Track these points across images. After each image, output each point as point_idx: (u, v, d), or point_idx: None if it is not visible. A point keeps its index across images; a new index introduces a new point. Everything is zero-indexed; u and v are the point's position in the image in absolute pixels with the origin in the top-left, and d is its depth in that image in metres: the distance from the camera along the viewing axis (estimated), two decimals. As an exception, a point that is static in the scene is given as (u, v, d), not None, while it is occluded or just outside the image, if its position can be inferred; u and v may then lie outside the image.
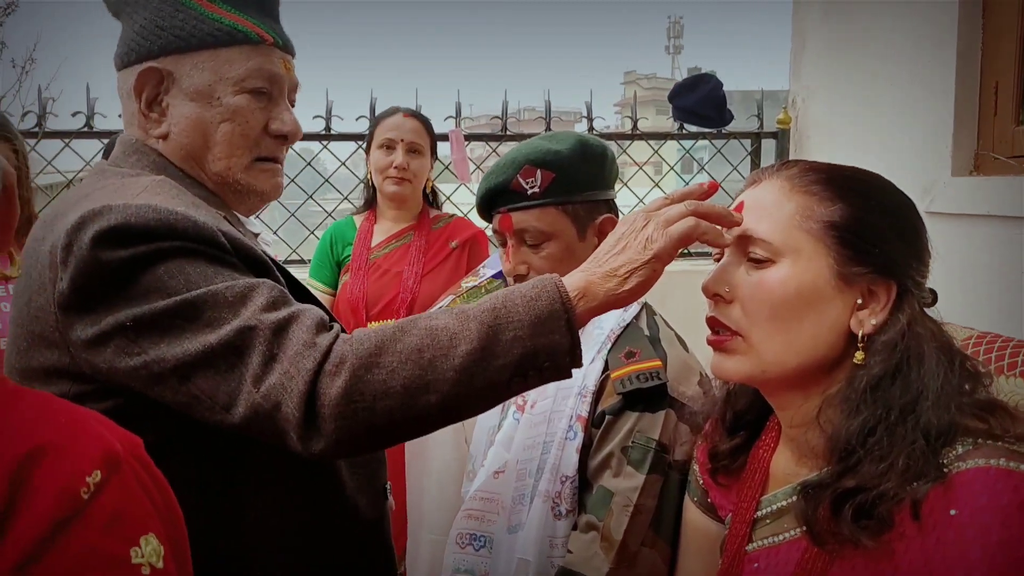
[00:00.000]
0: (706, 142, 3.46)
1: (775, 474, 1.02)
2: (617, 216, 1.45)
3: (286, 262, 3.34)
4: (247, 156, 1.14)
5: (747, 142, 3.44)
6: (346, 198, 3.31)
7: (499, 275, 1.79)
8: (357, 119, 3.10)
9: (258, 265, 1.03)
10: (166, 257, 0.94)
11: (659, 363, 1.30)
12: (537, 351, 0.90)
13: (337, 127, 3.25)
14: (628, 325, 1.39)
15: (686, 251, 3.32)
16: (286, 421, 0.88)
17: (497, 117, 3.35)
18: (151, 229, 0.94)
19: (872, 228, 0.92)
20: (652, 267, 0.93)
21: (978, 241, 2.00)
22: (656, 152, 3.50)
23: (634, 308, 1.41)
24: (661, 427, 1.27)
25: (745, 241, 0.95)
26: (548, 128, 3.20)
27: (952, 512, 0.80)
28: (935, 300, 0.98)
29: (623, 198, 3.43)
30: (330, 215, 3.23)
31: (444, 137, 3.02)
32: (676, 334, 1.42)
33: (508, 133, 3.29)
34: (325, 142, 3.26)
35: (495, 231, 1.44)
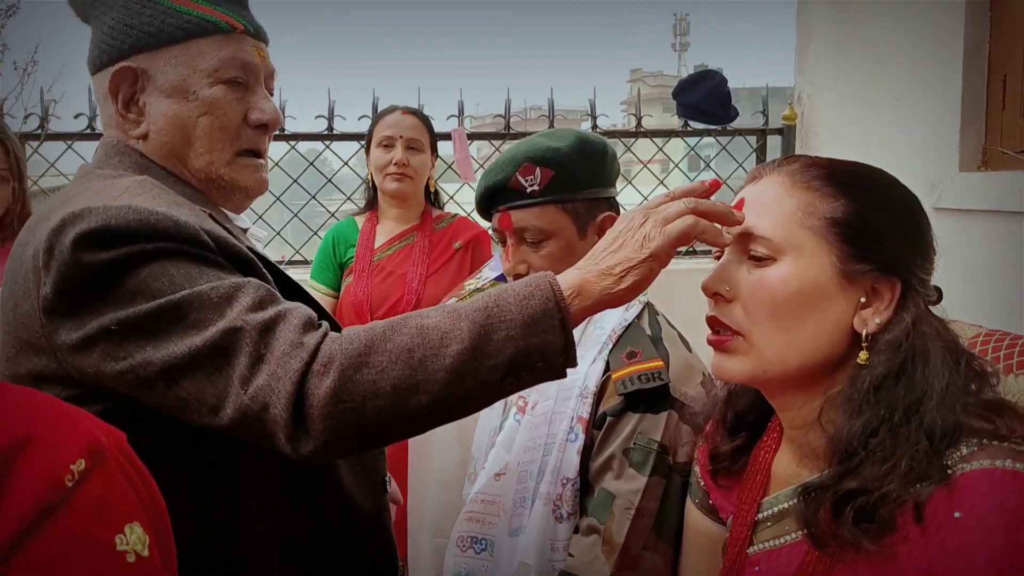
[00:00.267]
0: (711, 139, 3.44)
1: (776, 476, 1.00)
2: (618, 214, 1.43)
3: (289, 263, 3.33)
4: (229, 150, 1.12)
5: (752, 139, 3.41)
6: (349, 198, 3.30)
7: (501, 277, 1.77)
8: (359, 119, 3.10)
9: (243, 263, 1.01)
10: (149, 258, 0.93)
11: (661, 363, 1.29)
12: (530, 351, 0.88)
13: (340, 127, 3.25)
14: (630, 325, 1.37)
15: (691, 248, 3.30)
16: (274, 423, 0.87)
17: (500, 116, 3.34)
18: (132, 230, 0.93)
19: (875, 225, 0.90)
20: (649, 266, 0.92)
21: (986, 237, 1.98)
22: (660, 149, 3.49)
23: (636, 307, 1.40)
24: (663, 428, 1.25)
25: (746, 239, 0.93)
26: (552, 127, 3.19)
27: (956, 515, 0.78)
28: (940, 298, 0.96)
29: (629, 196, 3.43)
30: (333, 215, 3.22)
31: (447, 136, 3.01)
32: (679, 334, 1.40)
33: (511, 132, 3.28)
34: (327, 142, 3.26)
35: (494, 230, 1.42)
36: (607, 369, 1.32)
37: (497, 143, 3.36)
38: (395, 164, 2.48)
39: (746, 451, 1.05)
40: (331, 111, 3.22)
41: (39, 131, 3.08)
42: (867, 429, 0.85)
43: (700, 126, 3.33)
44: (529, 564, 1.30)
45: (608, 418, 1.28)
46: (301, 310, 0.94)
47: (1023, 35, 1.99)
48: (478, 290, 1.93)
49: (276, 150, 3.24)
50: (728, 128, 3.34)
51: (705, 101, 3.20)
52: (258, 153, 1.16)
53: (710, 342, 0.97)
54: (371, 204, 2.65)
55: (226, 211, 1.17)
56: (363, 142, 2.68)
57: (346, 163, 3.38)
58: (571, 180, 1.35)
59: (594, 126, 3.33)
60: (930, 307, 0.94)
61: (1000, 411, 0.86)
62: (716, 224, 0.94)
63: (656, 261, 0.92)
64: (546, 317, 0.89)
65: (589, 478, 1.30)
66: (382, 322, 0.92)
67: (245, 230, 1.21)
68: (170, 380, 0.90)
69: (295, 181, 3.32)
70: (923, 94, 2.26)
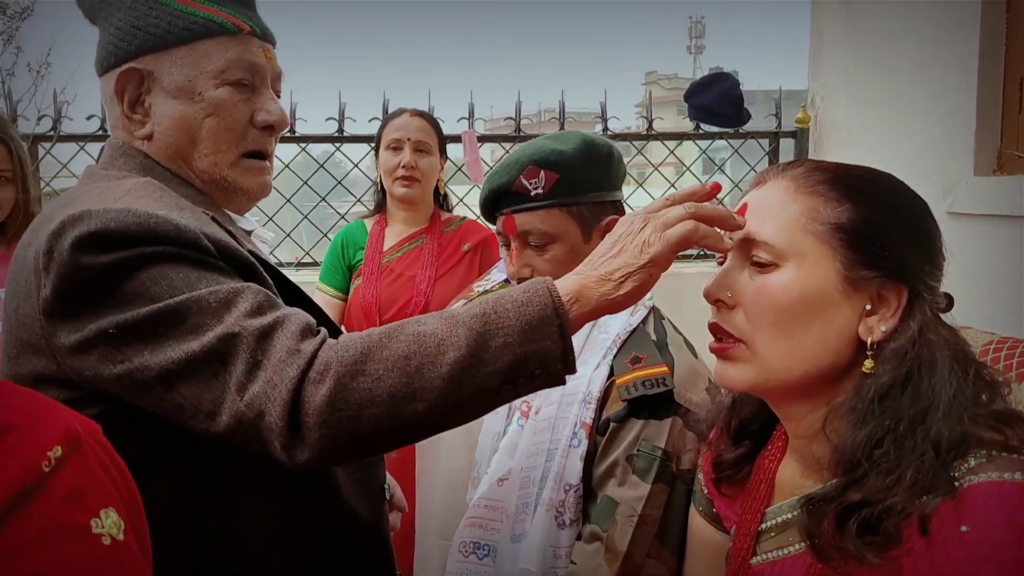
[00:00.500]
0: (724, 142, 3.41)
1: (781, 486, 0.98)
2: (624, 218, 1.41)
3: (300, 264, 3.33)
4: (234, 151, 1.12)
5: (765, 142, 3.39)
6: (359, 200, 3.30)
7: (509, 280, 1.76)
8: (370, 121, 3.09)
9: (244, 267, 1.01)
10: (148, 262, 0.93)
11: (666, 369, 1.27)
12: (528, 358, 0.87)
13: (350, 129, 3.25)
14: (635, 330, 1.35)
15: (702, 251, 3.28)
16: (269, 430, 0.86)
17: (511, 118, 3.33)
18: (132, 234, 0.93)
19: (881, 230, 0.88)
20: (648, 272, 0.90)
21: (1001, 243, 1.95)
22: (672, 152, 3.47)
23: (641, 312, 1.38)
24: (667, 435, 1.24)
25: (748, 244, 0.91)
26: (563, 129, 3.18)
27: (963, 528, 0.77)
28: (950, 305, 0.93)
29: (642, 199, 3.41)
30: (343, 217, 3.22)
31: (458, 139, 3.01)
32: (685, 339, 1.39)
33: (522, 134, 3.27)
34: (338, 144, 3.26)
35: (498, 233, 1.41)
36: (611, 374, 1.31)
37: (508, 146, 3.35)
38: (403, 167, 2.48)
39: (750, 459, 1.03)
40: (341, 113, 3.22)
41: (52, 133, 3.10)
42: (871, 440, 0.83)
43: (712, 129, 3.31)
44: (531, 571, 1.28)
45: (611, 424, 1.27)
46: (299, 316, 0.93)
47: (1040, 37, 1.96)
48: (486, 292, 1.92)
49: (287, 152, 3.25)
50: (740, 131, 3.31)
51: (718, 103, 3.18)
52: (264, 155, 1.16)
53: (712, 349, 0.95)
54: (380, 207, 2.65)
55: (230, 213, 1.17)
56: (373, 144, 2.68)
57: (356, 165, 3.38)
58: (576, 183, 1.34)
59: (605, 128, 3.32)
60: (941, 314, 0.92)
61: (1010, 422, 0.84)
62: (717, 229, 0.92)
63: (656, 267, 0.90)
64: (544, 324, 0.87)
65: (592, 484, 1.28)
66: (379, 329, 0.91)
67: (249, 232, 1.20)
68: (167, 385, 0.90)
69: (305, 183, 3.32)
70: (938, 97, 2.23)
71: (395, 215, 2.59)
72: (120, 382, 0.92)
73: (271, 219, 3.31)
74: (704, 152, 3.48)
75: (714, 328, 0.94)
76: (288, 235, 3.34)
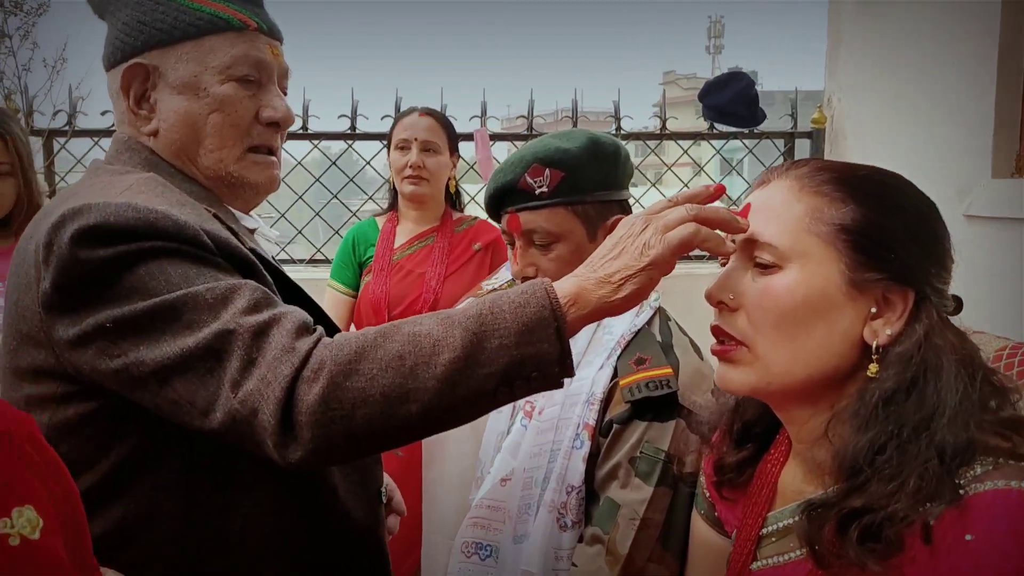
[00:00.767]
0: (739, 142, 3.39)
1: (783, 490, 0.96)
2: (631, 217, 1.40)
3: (311, 261, 3.34)
4: (239, 147, 1.12)
5: (781, 142, 3.36)
6: (370, 198, 3.30)
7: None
8: (382, 118, 3.10)
9: (244, 264, 1.00)
10: (147, 257, 0.92)
11: (670, 370, 1.26)
12: (524, 360, 0.86)
13: (363, 126, 3.25)
14: (640, 330, 1.34)
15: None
16: (262, 428, 0.85)
17: (523, 116, 3.32)
18: (131, 228, 0.93)
19: (887, 231, 0.86)
20: (648, 274, 0.88)
21: (1020, 246, 1.91)
22: (685, 152, 3.44)
23: (646, 312, 1.37)
24: (671, 438, 1.22)
25: (751, 245, 0.90)
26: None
27: (968, 537, 0.75)
28: (959, 308, 0.91)
29: (655, 200, 3.38)
30: (354, 215, 3.23)
31: (471, 137, 3.00)
32: (691, 340, 1.37)
33: (534, 133, 3.26)
34: (350, 141, 3.26)
35: (503, 232, 1.40)
36: (615, 375, 1.29)
37: (520, 144, 3.34)
38: (410, 167, 2.48)
39: (752, 463, 1.02)
40: (354, 111, 3.23)
41: (67, 128, 3.13)
42: (874, 445, 0.81)
43: (727, 129, 3.28)
44: (533, 573, 1.27)
45: (615, 425, 1.26)
46: (296, 314, 0.93)
47: (1060, 37, 1.93)
48: (495, 290, 1.91)
49: (300, 149, 3.26)
50: (756, 131, 3.28)
51: (732, 103, 3.15)
52: (270, 150, 1.16)
53: (714, 352, 0.94)
54: (393, 204, 2.66)
55: (234, 211, 1.17)
56: (385, 142, 2.69)
57: (368, 163, 3.39)
58: (581, 182, 1.33)
59: (617, 128, 3.30)
60: (952, 318, 0.89)
61: (1018, 429, 0.82)
62: (719, 232, 0.90)
63: (656, 269, 0.89)
64: (541, 326, 0.86)
65: (594, 486, 1.27)
66: (375, 328, 0.90)
67: (253, 231, 1.20)
68: (162, 381, 0.90)
69: (317, 180, 3.33)
70: (956, 98, 2.20)
71: (406, 213, 2.60)
72: (117, 377, 0.92)
73: (283, 216, 3.31)
74: (718, 152, 3.45)
75: (716, 330, 0.93)
76: (300, 232, 3.35)
